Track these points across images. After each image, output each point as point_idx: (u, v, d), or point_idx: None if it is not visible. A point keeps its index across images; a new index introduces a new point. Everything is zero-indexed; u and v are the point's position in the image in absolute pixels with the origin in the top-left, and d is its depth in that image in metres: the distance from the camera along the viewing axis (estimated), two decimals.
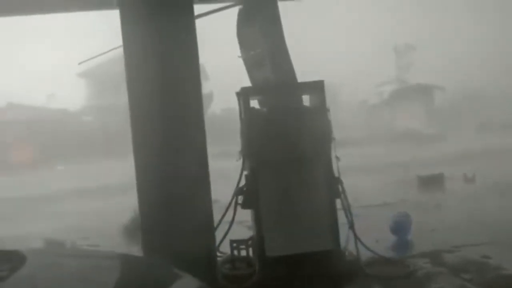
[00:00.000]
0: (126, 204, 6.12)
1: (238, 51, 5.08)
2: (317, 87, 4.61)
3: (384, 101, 30.64)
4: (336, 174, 4.59)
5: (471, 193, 9.09)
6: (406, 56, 31.57)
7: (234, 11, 5.14)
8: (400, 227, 5.89)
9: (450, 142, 21.24)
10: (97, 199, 10.89)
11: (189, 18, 4.37)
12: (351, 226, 4.73)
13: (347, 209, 4.69)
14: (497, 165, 11.81)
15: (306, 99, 4.91)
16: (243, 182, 4.63)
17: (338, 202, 4.69)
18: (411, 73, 31.08)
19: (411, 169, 11.73)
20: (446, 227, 6.47)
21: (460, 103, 28.94)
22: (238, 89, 4.68)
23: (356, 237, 4.73)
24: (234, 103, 4.91)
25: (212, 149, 4.59)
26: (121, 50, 4.41)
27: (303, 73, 4.90)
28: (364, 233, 4.90)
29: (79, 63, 6.84)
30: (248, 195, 4.55)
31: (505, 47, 29.06)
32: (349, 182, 4.81)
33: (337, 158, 4.55)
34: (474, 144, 18.04)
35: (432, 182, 10.49)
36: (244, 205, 4.61)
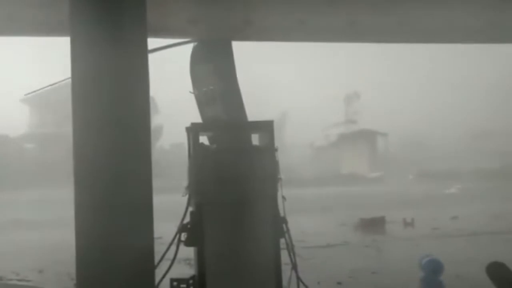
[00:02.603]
0: (63, 238, 5.85)
1: (190, 86, 5.10)
2: (266, 127, 4.67)
3: (330, 143, 31.46)
4: (282, 214, 4.61)
5: (410, 237, 9.37)
6: (353, 103, 32.83)
7: (188, 47, 5.20)
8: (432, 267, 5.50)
9: (391, 186, 21.96)
10: (33, 230, 10.35)
11: (142, 51, 4.35)
12: (294, 266, 4.72)
13: (291, 250, 4.70)
14: (434, 211, 12.29)
15: (255, 138, 4.96)
16: (187, 219, 4.55)
17: (282, 242, 4.69)
18: (357, 118, 32.25)
19: (355, 211, 11.98)
20: (387, 269, 6.59)
21: (401, 149, 30.18)
22: (188, 124, 4.67)
23: (298, 278, 4.72)
24: (183, 139, 4.88)
25: (158, 184, 4.51)
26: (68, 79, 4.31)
27: (253, 113, 4.97)
28: (307, 274, 4.90)
29: (26, 94, 6.61)
30: (192, 232, 4.47)
31: (446, 97, 30.83)
32: (294, 223, 4.84)
33: (283, 198, 4.58)
34: (414, 189, 18.73)
35: (374, 224, 10.75)
36: (187, 243, 4.51)
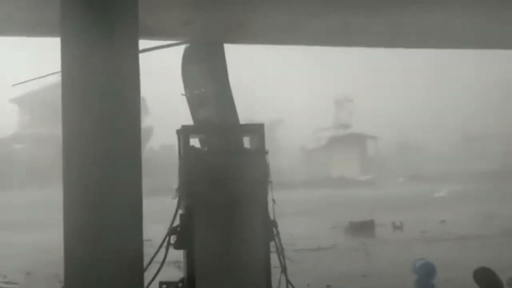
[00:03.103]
0: (51, 239, 5.80)
1: (181, 88, 5.08)
2: (257, 130, 4.67)
3: (321, 146, 31.55)
4: (272, 217, 4.61)
5: (399, 240, 9.41)
6: (344, 107, 32.98)
7: (180, 48, 5.18)
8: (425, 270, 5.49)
9: (381, 189, 22.06)
10: (22, 231, 10.25)
11: (133, 51, 4.32)
12: (284, 269, 4.72)
13: (281, 253, 4.69)
14: (424, 214, 12.36)
15: (246, 141, 4.95)
16: (177, 221, 4.53)
17: (272, 245, 4.69)
18: (348, 122, 32.39)
19: (344, 214, 12.02)
20: (376, 273, 6.61)
21: (391, 152, 30.35)
22: (179, 125, 4.65)
23: (288, 281, 4.72)
24: (173, 140, 4.86)
25: (147, 185, 4.48)
26: (57, 78, 4.28)
27: (246, 116, 4.98)
28: (296, 277, 4.90)
29: (13, 85, 6.57)
30: (182, 235, 4.45)
31: (437, 102, 31.08)
32: (284, 225, 4.83)
33: (274, 201, 4.58)
34: (403, 192, 18.83)
35: (363, 228, 10.79)
36: (177, 245, 4.49)
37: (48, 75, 5.24)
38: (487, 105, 29.83)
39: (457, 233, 9.74)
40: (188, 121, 5.06)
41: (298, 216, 11.77)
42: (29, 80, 5.67)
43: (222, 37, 5.23)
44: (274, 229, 4.61)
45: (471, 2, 4.72)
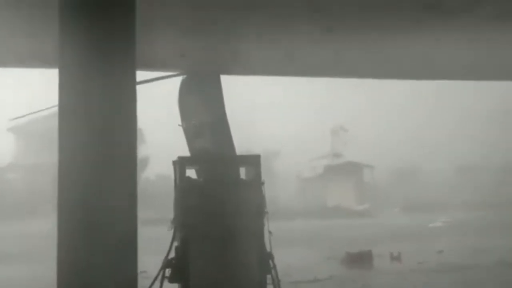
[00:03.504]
0: (43, 273, 5.69)
1: (178, 118, 5.11)
2: (253, 161, 4.68)
3: (317, 175, 31.51)
4: (268, 249, 4.57)
5: (397, 271, 9.30)
6: (340, 136, 33.12)
7: (177, 80, 5.23)
8: None
9: (378, 219, 21.95)
10: (13, 264, 10.07)
11: (131, 83, 4.36)
12: None
13: (277, 285, 4.63)
14: (421, 245, 12.28)
15: (242, 171, 4.95)
16: (172, 254, 4.48)
17: (268, 277, 4.63)
18: (343, 151, 32.48)
19: (341, 245, 11.91)
20: None
21: (387, 181, 30.33)
22: (175, 155, 4.65)
23: None
24: (169, 170, 4.85)
25: (142, 215, 4.45)
26: (55, 108, 4.29)
27: (242, 144, 4.99)
28: None
29: (12, 119, 6.59)
30: (177, 268, 4.39)
31: (433, 131, 31.27)
32: (280, 256, 4.78)
33: (270, 232, 4.55)
34: (400, 222, 18.75)
35: (360, 259, 10.66)
36: (172, 279, 4.43)
37: (46, 108, 5.26)
38: (484, 135, 30.03)
39: (454, 264, 9.66)
40: (185, 151, 5.07)
41: (294, 247, 11.65)
42: (26, 115, 5.69)
43: (218, 69, 5.30)
44: (270, 262, 4.57)
45: (462, 36, 4.82)
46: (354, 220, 20.82)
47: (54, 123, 4.24)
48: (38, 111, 5.51)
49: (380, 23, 4.43)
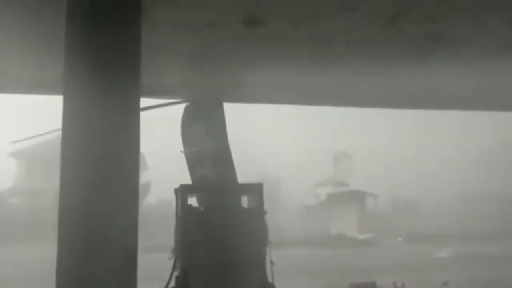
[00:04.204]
0: None
1: (181, 143, 5.11)
2: (255, 190, 4.64)
3: (320, 203, 31.30)
4: (270, 280, 4.49)
5: None
6: (343, 164, 33.03)
7: (180, 107, 5.24)
8: None
9: (381, 248, 21.68)
10: None
11: (135, 110, 4.37)
12: None
13: None
14: (425, 275, 12.07)
15: (244, 200, 4.91)
16: (172, 283, 4.40)
17: None
18: (346, 179, 32.34)
19: (344, 275, 11.72)
20: None
21: (390, 210, 30.08)
22: (176, 180, 4.63)
23: None
24: (171, 195, 4.82)
25: (143, 241, 4.39)
26: (57, 132, 4.30)
27: (243, 173, 4.96)
28: None
29: (13, 142, 6.62)
30: None
31: (436, 160, 31.17)
32: (282, 286, 4.69)
33: (272, 263, 4.47)
34: (404, 252, 18.50)
35: None
36: None
37: (48, 132, 5.28)
38: (487, 164, 29.89)
39: None
40: (186, 176, 5.04)
41: (297, 277, 11.47)
42: (28, 138, 5.71)
43: (221, 97, 5.32)
44: None
45: (463, 66, 4.84)
46: (358, 250, 20.56)
47: (57, 147, 4.24)
48: (40, 134, 5.52)
49: (382, 53, 4.46)
